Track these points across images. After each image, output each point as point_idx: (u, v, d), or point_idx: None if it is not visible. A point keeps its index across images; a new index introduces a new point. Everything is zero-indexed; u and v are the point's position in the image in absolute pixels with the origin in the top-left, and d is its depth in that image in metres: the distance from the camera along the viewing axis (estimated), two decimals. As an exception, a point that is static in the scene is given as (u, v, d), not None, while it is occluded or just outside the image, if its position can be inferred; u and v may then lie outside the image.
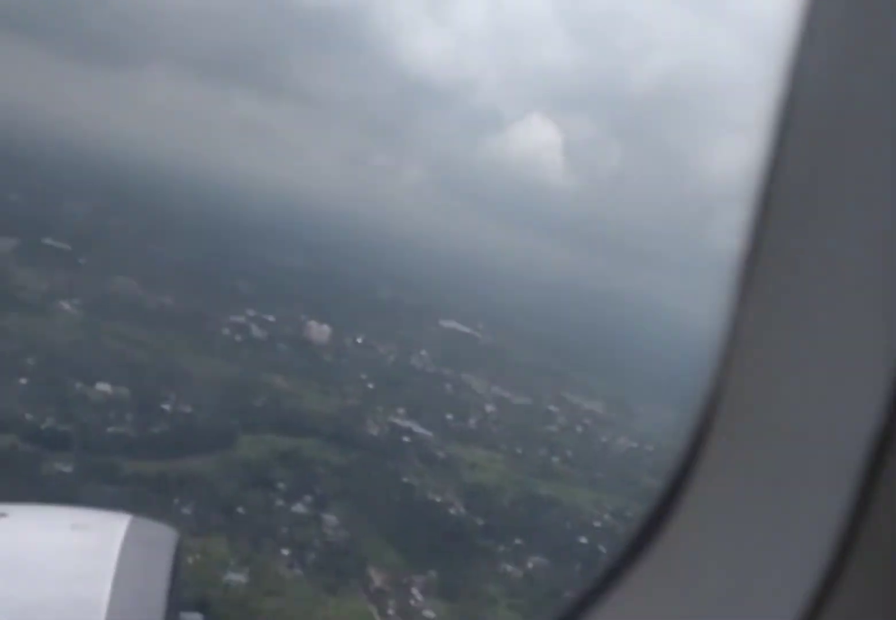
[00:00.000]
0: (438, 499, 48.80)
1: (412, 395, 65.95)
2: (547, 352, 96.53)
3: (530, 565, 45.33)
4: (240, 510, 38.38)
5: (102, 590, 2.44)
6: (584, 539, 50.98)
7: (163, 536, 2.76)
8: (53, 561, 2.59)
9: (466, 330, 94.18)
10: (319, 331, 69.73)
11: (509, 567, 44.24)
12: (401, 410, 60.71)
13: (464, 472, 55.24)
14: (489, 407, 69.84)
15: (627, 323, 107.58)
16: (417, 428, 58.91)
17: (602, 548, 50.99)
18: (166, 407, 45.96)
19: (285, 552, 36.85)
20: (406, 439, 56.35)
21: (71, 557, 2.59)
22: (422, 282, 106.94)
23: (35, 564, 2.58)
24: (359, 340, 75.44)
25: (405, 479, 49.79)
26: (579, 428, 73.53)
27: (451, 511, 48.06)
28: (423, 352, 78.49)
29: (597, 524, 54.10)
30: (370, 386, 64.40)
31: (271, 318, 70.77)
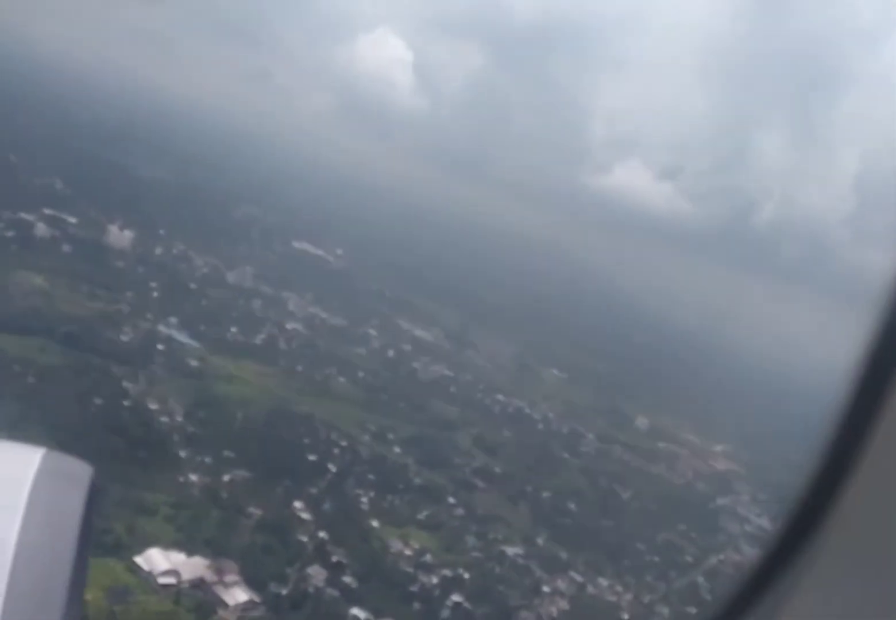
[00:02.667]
0: (154, 407, 46.92)
1: (202, 307, 63.88)
2: (399, 280, 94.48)
3: (227, 478, 43.70)
4: None
5: (12, 524, 2.33)
6: (312, 457, 49.49)
7: (77, 471, 2.57)
8: None
9: (318, 252, 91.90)
10: (119, 237, 67.18)
11: (195, 478, 42.59)
12: (173, 319, 58.59)
13: (215, 383, 53.38)
14: (292, 325, 67.87)
15: (486, 253, 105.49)
16: (182, 338, 56.91)
17: (331, 466, 49.55)
18: None
19: None
20: (160, 347, 54.30)
21: None
22: (288, 201, 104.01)
23: None
24: (174, 251, 73.01)
25: (125, 384, 47.83)
26: (391, 353, 71.87)
27: (163, 419, 46.21)
28: (248, 268, 76.24)
29: (343, 443, 52.63)
30: (154, 294, 62.11)
31: (72, 219, 68.13)
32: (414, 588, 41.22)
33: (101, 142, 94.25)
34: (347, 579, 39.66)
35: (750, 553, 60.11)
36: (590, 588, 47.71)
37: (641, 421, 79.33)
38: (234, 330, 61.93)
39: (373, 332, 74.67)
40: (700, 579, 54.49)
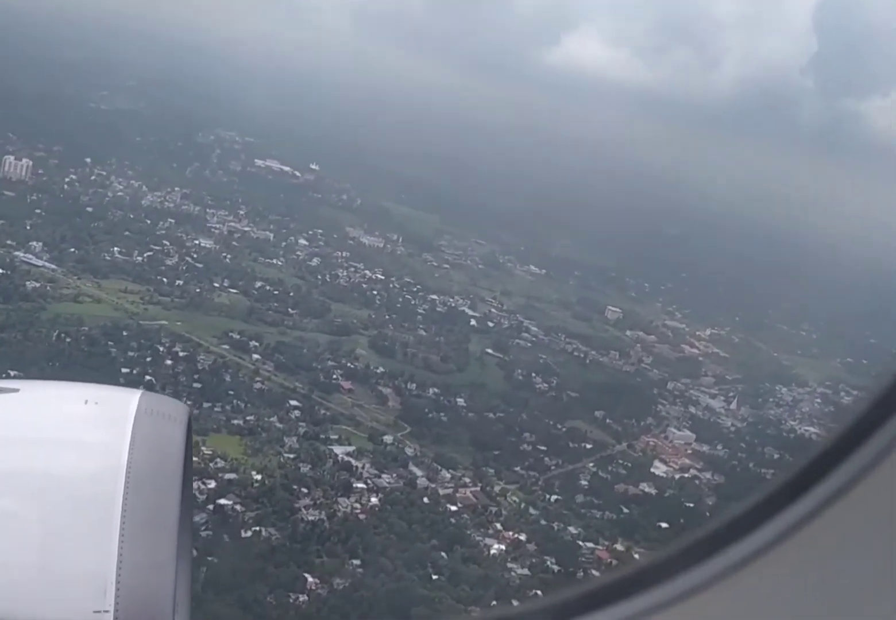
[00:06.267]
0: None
1: (91, 229, 62.20)
2: (380, 188, 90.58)
3: None
4: None
5: (119, 460, 2.52)
6: (125, 370, 46.95)
7: (174, 410, 2.80)
8: (69, 434, 2.72)
9: (285, 168, 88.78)
10: (15, 167, 66.30)
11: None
12: (37, 244, 57.12)
13: (52, 304, 51.55)
14: (199, 242, 65.45)
15: (469, 145, 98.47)
16: (39, 262, 55.39)
17: (149, 378, 46.84)
18: None
19: None
20: (4, 271, 52.89)
21: (86, 430, 2.71)
22: (270, 121, 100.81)
23: (51, 437, 2.70)
24: (92, 177, 71.57)
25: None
26: (316, 261, 68.48)
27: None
28: (176, 189, 74.16)
29: (183, 354, 49.98)
30: (31, 221, 60.72)
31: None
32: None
33: (63, 79, 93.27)
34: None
35: (677, 436, 54.71)
36: (422, 482, 43.73)
37: (612, 312, 73.49)
38: (115, 249, 59.85)
39: (304, 242, 71.35)
40: (590, 465, 49.69)
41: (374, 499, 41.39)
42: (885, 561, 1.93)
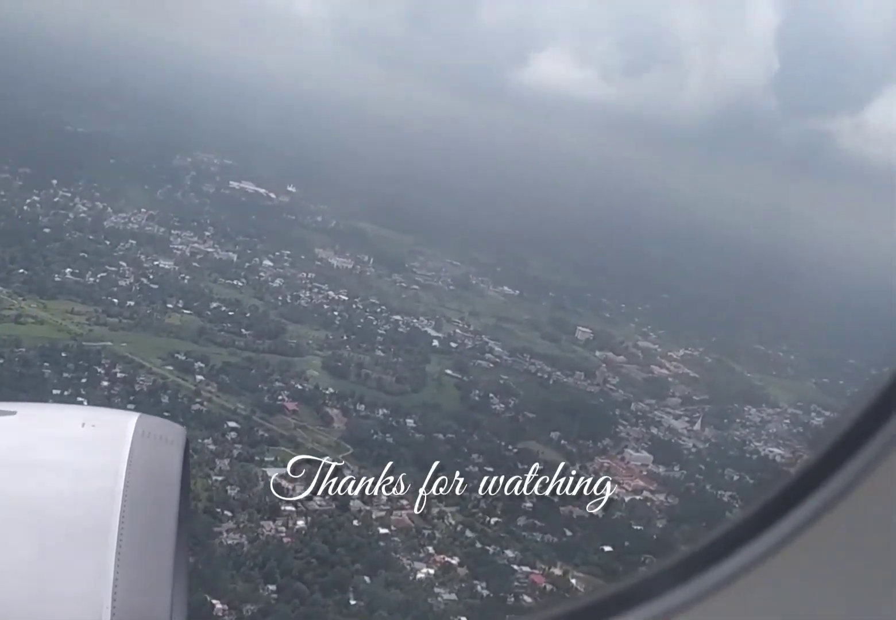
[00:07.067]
0: None
1: (45, 250, 61.67)
2: (360, 209, 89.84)
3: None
4: None
5: (116, 484, 2.49)
6: (56, 392, 46.03)
7: (172, 432, 2.74)
8: (66, 457, 2.63)
9: (259, 190, 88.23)
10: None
11: None
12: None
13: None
14: (157, 263, 64.72)
15: (452, 168, 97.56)
16: (-15, 282, 54.81)
17: (80, 400, 45.96)
18: None
19: None
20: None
21: (83, 453, 2.63)
22: (254, 144, 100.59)
23: (48, 460, 2.62)
24: (56, 199, 71.21)
25: None
26: (278, 282, 67.62)
27: None
28: (143, 211, 73.63)
29: (121, 375, 49.12)
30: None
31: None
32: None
33: (41, 101, 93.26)
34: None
35: (634, 457, 53.34)
36: (356, 505, 42.49)
37: (582, 332, 72.22)
38: (67, 271, 59.19)
39: (269, 263, 70.52)
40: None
41: (300, 522, 40.17)
42: (884, 565, 1.89)
